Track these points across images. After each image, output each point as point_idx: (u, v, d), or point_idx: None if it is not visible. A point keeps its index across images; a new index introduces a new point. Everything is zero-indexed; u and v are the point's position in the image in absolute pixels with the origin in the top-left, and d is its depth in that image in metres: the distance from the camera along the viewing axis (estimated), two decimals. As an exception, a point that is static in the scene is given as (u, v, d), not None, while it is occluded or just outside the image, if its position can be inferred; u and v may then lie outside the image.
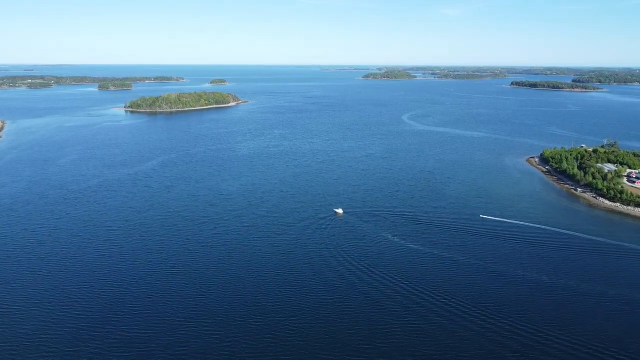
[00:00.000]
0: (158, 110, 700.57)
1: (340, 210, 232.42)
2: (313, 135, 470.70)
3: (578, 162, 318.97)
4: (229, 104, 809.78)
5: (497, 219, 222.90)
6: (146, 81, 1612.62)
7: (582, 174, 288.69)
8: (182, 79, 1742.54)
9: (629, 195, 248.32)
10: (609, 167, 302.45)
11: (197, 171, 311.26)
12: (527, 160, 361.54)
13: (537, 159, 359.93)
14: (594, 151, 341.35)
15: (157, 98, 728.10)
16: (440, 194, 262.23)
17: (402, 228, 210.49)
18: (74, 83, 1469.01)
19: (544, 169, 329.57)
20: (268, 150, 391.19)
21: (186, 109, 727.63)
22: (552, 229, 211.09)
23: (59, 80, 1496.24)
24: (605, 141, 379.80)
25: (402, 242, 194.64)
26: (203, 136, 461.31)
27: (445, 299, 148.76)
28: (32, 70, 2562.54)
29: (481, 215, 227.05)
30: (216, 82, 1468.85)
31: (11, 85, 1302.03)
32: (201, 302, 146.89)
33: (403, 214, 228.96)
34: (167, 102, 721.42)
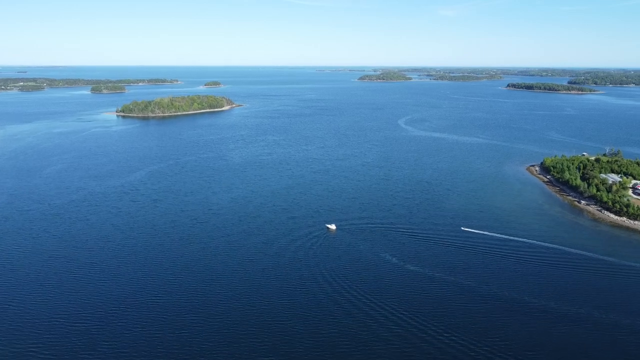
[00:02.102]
0: (150, 115, 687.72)
1: (333, 226, 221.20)
2: (307, 142, 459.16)
3: (580, 172, 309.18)
4: (223, 108, 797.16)
5: (501, 236, 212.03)
6: (140, 83, 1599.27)
7: (586, 185, 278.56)
8: (177, 81, 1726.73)
9: (635, 209, 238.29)
10: (613, 177, 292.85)
11: (186, 183, 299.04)
12: (527, 169, 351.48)
13: (537, 168, 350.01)
14: (597, 160, 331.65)
15: (149, 102, 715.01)
16: (440, 208, 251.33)
17: (400, 247, 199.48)
18: (66, 86, 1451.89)
19: (546, 179, 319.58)
20: (261, 159, 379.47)
21: (179, 113, 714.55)
22: (558, 247, 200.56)
23: (52, 83, 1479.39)
24: (607, 150, 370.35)
25: (401, 263, 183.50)
26: (194, 143, 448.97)
27: (448, 333, 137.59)
28: (26, 72, 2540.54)
29: (480, 232, 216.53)
30: (211, 85, 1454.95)
31: (2, 88, 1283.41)
32: (183, 337, 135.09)
33: (400, 231, 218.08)
34: (159, 106, 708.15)
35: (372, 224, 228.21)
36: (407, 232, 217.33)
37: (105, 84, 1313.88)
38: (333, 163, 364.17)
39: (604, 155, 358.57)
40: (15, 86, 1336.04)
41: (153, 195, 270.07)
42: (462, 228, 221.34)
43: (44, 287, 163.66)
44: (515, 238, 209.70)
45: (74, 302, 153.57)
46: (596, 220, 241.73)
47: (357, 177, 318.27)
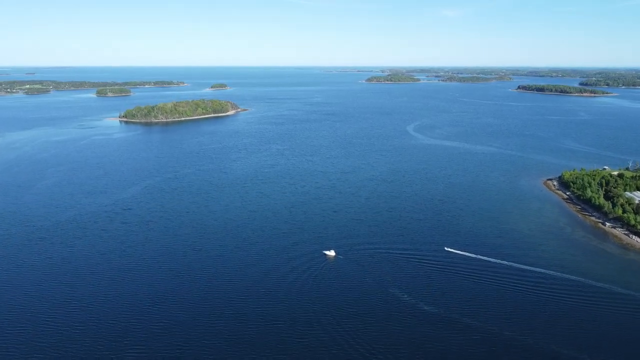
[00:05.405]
0: (153, 120, 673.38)
1: (332, 253, 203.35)
2: (313, 152, 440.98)
3: (603, 188, 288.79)
4: (228, 113, 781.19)
5: (523, 267, 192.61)
6: (146, 85, 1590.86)
7: (611, 205, 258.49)
8: (183, 83, 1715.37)
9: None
10: (639, 196, 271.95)
11: (182, 201, 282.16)
12: (544, 184, 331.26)
13: (555, 183, 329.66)
14: (620, 176, 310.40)
15: (152, 108, 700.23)
16: (454, 232, 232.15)
17: (410, 280, 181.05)
18: (72, 88, 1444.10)
19: (565, 196, 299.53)
20: (263, 171, 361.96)
21: (183, 119, 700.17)
22: (586, 280, 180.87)
23: (58, 85, 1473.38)
24: (630, 163, 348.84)
25: (413, 301, 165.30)
26: (195, 153, 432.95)
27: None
28: (34, 73, 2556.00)
29: (498, 261, 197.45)
30: (217, 87, 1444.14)
31: (8, 92, 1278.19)
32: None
33: (410, 258, 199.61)
34: (162, 111, 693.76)
35: (378, 249, 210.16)
36: (419, 260, 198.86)
37: (110, 87, 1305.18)
38: (339, 177, 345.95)
39: (627, 169, 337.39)
40: (21, 89, 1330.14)
41: (146, 216, 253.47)
42: (478, 256, 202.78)
43: (17, 328, 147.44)
44: (538, 269, 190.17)
45: (49, 348, 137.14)
46: (624, 246, 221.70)
47: (364, 194, 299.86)
